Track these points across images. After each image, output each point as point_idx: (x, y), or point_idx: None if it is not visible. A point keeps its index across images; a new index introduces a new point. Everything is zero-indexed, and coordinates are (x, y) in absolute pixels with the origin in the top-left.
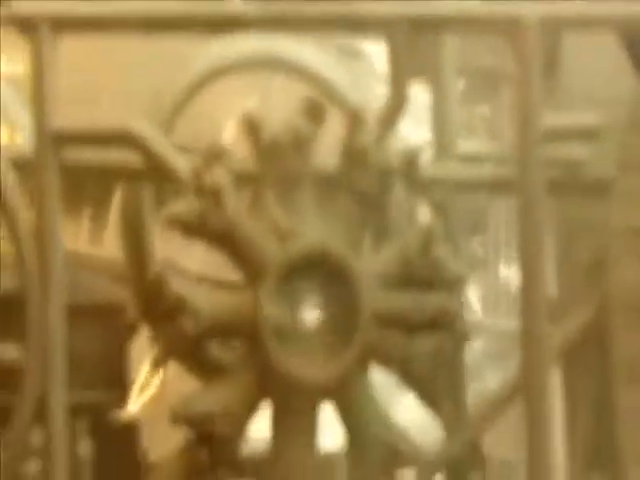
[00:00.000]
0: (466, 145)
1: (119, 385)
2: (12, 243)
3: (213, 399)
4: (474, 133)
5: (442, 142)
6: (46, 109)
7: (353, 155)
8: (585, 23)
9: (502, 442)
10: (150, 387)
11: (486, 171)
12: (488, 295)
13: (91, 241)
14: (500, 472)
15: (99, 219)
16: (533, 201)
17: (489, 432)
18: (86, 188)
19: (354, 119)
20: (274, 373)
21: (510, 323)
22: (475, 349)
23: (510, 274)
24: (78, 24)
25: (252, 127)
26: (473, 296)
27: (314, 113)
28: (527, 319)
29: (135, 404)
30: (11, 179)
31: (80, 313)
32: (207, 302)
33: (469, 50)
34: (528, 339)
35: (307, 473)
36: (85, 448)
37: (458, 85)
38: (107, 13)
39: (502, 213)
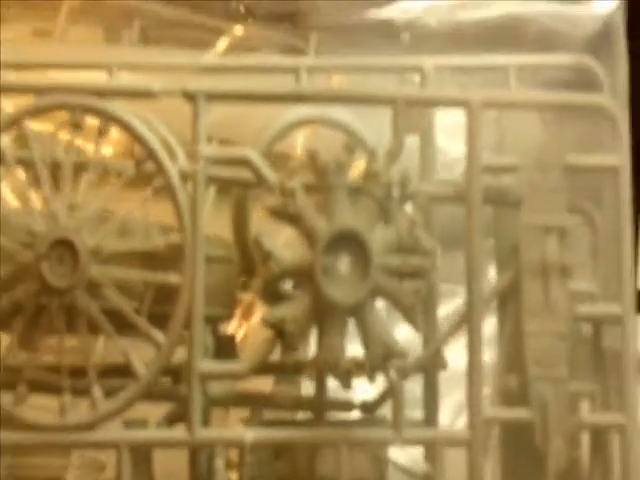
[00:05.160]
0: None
1: (228, 306)
2: (177, 218)
3: (285, 310)
4: None
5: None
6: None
7: (370, 176)
8: (520, 106)
9: None
10: (245, 311)
11: (446, 189)
12: None
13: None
14: None
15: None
16: (476, 211)
17: None
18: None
19: (370, 154)
20: (321, 298)
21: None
22: None
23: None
24: (228, 96)
25: (312, 157)
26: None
27: (349, 150)
28: (471, 283)
29: (236, 321)
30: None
31: (211, 259)
32: (285, 255)
33: None
34: (471, 291)
35: (338, 367)
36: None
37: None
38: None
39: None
